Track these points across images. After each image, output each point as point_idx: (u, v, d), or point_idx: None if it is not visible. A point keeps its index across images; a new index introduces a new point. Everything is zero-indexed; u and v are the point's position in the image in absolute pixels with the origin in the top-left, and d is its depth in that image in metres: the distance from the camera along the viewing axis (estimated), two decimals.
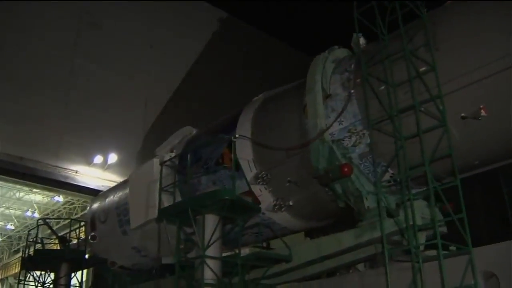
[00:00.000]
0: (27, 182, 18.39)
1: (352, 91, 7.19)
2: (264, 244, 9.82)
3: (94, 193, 19.50)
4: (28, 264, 12.62)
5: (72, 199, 30.86)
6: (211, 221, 7.32)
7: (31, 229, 16.58)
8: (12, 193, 35.48)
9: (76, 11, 18.98)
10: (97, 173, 18.77)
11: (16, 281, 45.95)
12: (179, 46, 22.17)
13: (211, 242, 7.13)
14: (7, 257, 48.33)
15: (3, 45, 17.13)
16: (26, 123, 17.21)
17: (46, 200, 36.29)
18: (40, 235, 13.87)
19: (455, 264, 5.46)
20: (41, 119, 17.62)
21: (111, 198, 11.84)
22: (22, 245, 44.99)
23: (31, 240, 12.87)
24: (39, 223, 13.96)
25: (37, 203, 37.39)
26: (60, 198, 33.29)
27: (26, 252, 13.01)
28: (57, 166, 17.72)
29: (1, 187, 32.80)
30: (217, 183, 8.65)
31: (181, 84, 21.78)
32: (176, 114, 20.23)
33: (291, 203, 7.96)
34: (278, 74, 18.60)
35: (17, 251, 46.32)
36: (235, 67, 23.82)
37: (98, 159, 18.57)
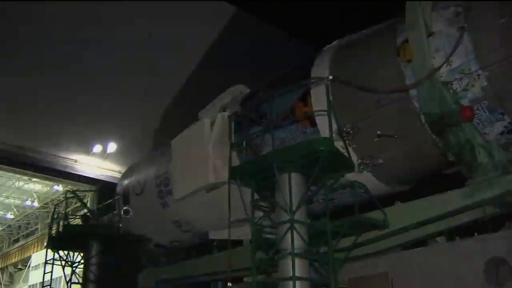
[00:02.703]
0: (27, 171, 18.61)
1: (464, 25, 6.05)
2: None
3: (93, 182, 19.40)
4: (56, 243, 11.36)
5: (72, 188, 29.88)
6: (296, 180, 6.18)
7: (57, 203, 15.40)
8: (11, 183, 35.29)
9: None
10: (97, 162, 18.66)
11: (16, 270, 46.03)
12: (180, 35, 21.30)
13: (298, 205, 6.01)
14: (6, 246, 47.75)
15: (1, 34, 16.54)
16: (26, 113, 16.90)
17: (45, 189, 36.29)
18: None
19: None
20: (41, 108, 17.16)
21: (148, 167, 10.65)
22: (21, 234, 44.49)
23: (56, 216, 11.61)
24: (68, 195, 12.70)
25: (36, 192, 37.33)
26: (59, 187, 33.07)
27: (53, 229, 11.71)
28: (56, 156, 17.63)
29: (1, 176, 32.53)
30: (286, 142, 7.48)
31: (181, 74, 20.96)
32: (175, 104, 19.89)
33: (380, 161, 6.83)
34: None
35: (16, 240, 45.94)
36: (238, 57, 22.72)
37: (98, 148, 18.38)
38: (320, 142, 5.77)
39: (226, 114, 8.66)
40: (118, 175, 19.26)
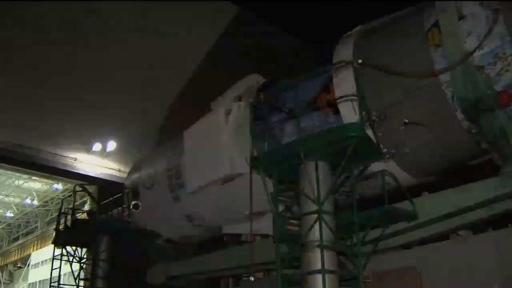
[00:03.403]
0: (26, 169, 18.52)
1: (498, 7, 5.78)
2: None
3: (93, 181, 19.10)
4: (63, 238, 11.02)
5: (72, 187, 29.74)
6: (323, 169, 5.91)
7: (65, 197, 15.10)
8: (11, 181, 35.27)
9: None
10: (96, 160, 18.57)
11: (16, 268, 45.78)
12: (181, 33, 21.12)
13: (326, 195, 5.73)
14: (6, 244, 47.54)
15: (1, 33, 16.56)
16: (25, 111, 16.78)
17: (45, 187, 36.24)
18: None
19: None
20: (40, 107, 17.07)
21: (158, 160, 10.35)
22: (21, 232, 44.28)
23: (63, 211, 11.27)
24: (76, 189, 12.38)
25: (36, 190, 37.30)
26: (59, 186, 33.21)
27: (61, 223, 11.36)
28: (56, 154, 17.56)
29: (1, 174, 32.65)
30: (306, 131, 7.19)
31: (181, 73, 20.82)
32: (175, 103, 19.80)
33: (407, 150, 6.55)
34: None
35: (16, 239, 45.77)
36: (240, 57, 22.53)
37: (97, 146, 18.30)
38: (351, 128, 5.48)
39: (242, 103, 8.38)
40: (118, 174, 19.29)
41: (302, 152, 5.65)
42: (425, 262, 6.42)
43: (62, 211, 11.58)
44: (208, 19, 21.95)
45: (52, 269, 11.16)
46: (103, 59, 18.50)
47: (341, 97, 6.64)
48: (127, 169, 17.65)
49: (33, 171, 19.33)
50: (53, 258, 11.13)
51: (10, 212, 42.19)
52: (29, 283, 43.59)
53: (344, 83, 6.74)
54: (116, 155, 18.91)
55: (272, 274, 8.42)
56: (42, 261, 41.50)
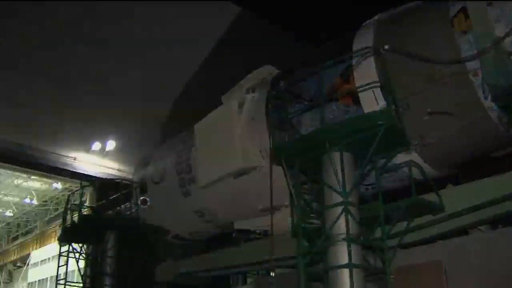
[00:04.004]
0: (26, 169, 18.37)
1: None
2: None
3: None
4: (70, 234, 10.74)
5: (71, 186, 29.89)
6: (347, 160, 5.68)
7: (73, 192, 14.83)
8: (10, 180, 34.90)
9: None
10: (96, 160, 18.51)
11: (15, 267, 45.49)
12: (180, 34, 21.02)
13: (353, 186, 5.51)
14: (5, 244, 47.26)
15: (1, 32, 16.46)
16: (25, 110, 16.70)
17: (44, 187, 35.97)
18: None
19: None
20: (40, 106, 16.99)
21: (168, 154, 10.10)
22: (20, 232, 44.04)
23: (68, 207, 10.98)
24: (83, 184, 12.08)
25: (35, 190, 37.03)
26: (58, 185, 33.16)
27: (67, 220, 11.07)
28: (55, 153, 17.50)
29: (0, 174, 32.17)
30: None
31: (181, 72, 20.64)
32: (175, 102, 19.80)
33: (431, 140, 6.33)
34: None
35: (15, 238, 45.52)
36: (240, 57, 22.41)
37: (97, 146, 18.27)
38: (379, 116, 5.25)
39: (256, 95, 8.14)
40: (117, 173, 19.08)
41: (328, 142, 5.41)
42: (451, 256, 6.20)
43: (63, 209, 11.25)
44: (209, 19, 21.94)
45: (58, 266, 10.90)
46: (103, 58, 18.41)
47: (362, 86, 6.40)
48: (127, 168, 17.78)
49: (32, 170, 19.24)
50: (60, 255, 10.87)
51: (10, 212, 41.83)
52: (29, 283, 43.28)
53: (365, 72, 6.52)
54: (115, 154, 18.87)
55: (288, 271, 8.19)
56: (41, 261, 41.26)
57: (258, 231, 8.94)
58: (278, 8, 21.33)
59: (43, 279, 40.26)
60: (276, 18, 22.61)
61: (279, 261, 7.35)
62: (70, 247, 10.68)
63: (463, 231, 6.67)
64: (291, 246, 6.52)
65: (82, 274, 10.92)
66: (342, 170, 5.46)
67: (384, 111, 5.42)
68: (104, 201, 11.30)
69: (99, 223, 10.62)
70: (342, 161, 5.50)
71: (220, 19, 22.03)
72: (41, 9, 17.13)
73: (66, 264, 10.55)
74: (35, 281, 41.97)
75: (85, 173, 18.55)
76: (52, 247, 37.74)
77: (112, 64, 18.67)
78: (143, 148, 16.85)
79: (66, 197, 12.18)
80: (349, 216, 5.35)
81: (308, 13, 21.21)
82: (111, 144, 18.52)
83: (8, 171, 29.57)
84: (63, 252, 10.68)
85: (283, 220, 7.34)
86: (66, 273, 10.61)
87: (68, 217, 11.32)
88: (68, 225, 10.85)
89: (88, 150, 18.40)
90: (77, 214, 10.71)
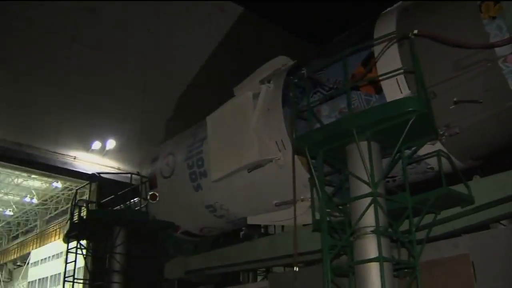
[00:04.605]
0: (26, 168, 18.32)
1: None
2: None
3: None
4: (77, 230, 10.47)
5: (71, 185, 30.03)
6: (374, 149, 5.46)
7: (80, 187, 14.59)
8: (10, 179, 34.94)
9: None
10: (96, 159, 18.36)
11: (16, 266, 45.24)
12: (181, 34, 21.37)
13: (382, 176, 5.29)
14: (5, 243, 47.09)
15: (1, 31, 16.67)
16: (24, 109, 16.83)
17: (44, 186, 35.87)
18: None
19: None
20: (40, 105, 17.12)
21: (178, 148, 9.86)
22: (20, 231, 43.84)
23: (75, 203, 10.72)
24: (91, 180, 11.79)
25: (35, 189, 36.93)
26: (58, 184, 33.07)
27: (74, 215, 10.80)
28: (55, 152, 17.38)
29: (0, 173, 32.19)
30: (346, 112, 6.72)
31: (181, 72, 21.11)
32: (175, 102, 20.24)
33: (457, 130, 6.10)
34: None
35: (15, 237, 45.32)
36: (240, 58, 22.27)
37: (97, 145, 18.18)
38: (409, 102, 5.01)
39: (271, 85, 7.89)
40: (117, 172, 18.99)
41: (355, 130, 5.18)
42: (479, 250, 5.99)
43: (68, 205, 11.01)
44: (211, 19, 21.82)
45: (66, 263, 10.63)
46: (103, 57, 18.73)
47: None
48: (127, 168, 17.81)
49: (32, 170, 18.83)
50: (67, 251, 10.61)
51: (10, 211, 41.67)
52: (29, 282, 43.06)
53: (389, 59, 6.29)
54: (115, 154, 18.80)
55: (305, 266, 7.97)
56: (41, 259, 41.04)
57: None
58: (278, 8, 21.36)
59: (43, 278, 40.05)
60: (276, 18, 22.64)
61: (301, 255, 7.09)
62: (78, 244, 10.41)
63: (485, 225, 6.48)
64: (302, 242, 6.38)
65: (89, 270, 10.65)
66: (370, 159, 5.23)
67: (415, 97, 5.16)
68: (113, 196, 10.99)
69: (109, 217, 10.36)
70: (370, 150, 5.26)
71: (220, 19, 22.14)
72: (41, 9, 17.41)
73: (75, 261, 10.30)
74: (35, 280, 41.75)
75: (85, 172, 18.36)
76: (53, 246, 37.59)
77: (112, 63, 18.99)
78: (144, 147, 17.25)
79: (74, 193, 11.83)
80: (379, 208, 5.13)
81: (308, 13, 21.23)
82: (111, 143, 18.47)
83: (8, 170, 29.51)
84: (71, 248, 10.43)
85: (305, 213, 7.11)
86: (74, 270, 10.35)
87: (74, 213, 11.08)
88: (76, 221, 10.60)
89: (88, 149, 18.28)
90: (84, 210, 10.44)
